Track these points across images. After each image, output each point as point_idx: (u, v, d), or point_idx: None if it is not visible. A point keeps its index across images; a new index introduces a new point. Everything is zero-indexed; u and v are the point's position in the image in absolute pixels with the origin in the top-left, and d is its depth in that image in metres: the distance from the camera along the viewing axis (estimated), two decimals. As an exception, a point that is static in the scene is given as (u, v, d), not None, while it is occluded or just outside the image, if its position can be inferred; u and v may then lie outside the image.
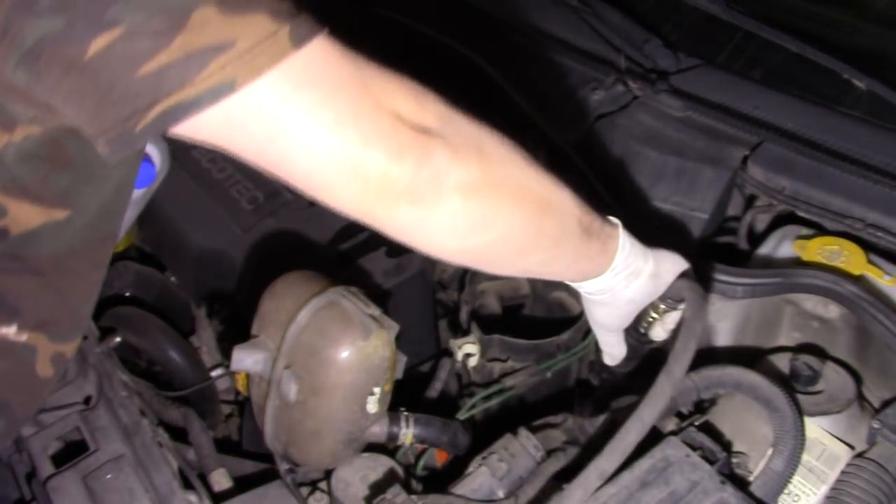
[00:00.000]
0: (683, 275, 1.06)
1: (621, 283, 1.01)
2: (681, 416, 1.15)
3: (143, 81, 0.66)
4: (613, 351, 1.15)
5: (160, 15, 0.65)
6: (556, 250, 0.91)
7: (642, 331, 1.15)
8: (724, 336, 1.32)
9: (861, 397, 1.19)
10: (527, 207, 0.84)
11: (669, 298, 1.08)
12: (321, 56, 0.72)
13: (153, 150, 1.43)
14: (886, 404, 1.15)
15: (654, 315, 1.12)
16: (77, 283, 0.94)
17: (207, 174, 1.64)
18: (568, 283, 1.03)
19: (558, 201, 0.88)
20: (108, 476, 1.11)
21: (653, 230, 1.35)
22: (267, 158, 0.74)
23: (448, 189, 0.78)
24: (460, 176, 0.78)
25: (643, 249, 1.01)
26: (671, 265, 1.05)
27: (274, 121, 0.71)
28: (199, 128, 0.71)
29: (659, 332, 1.14)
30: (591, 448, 1.09)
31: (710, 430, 1.12)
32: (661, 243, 1.07)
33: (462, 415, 1.29)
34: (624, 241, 0.98)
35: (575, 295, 1.51)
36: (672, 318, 1.12)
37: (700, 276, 1.18)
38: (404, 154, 0.75)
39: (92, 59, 0.66)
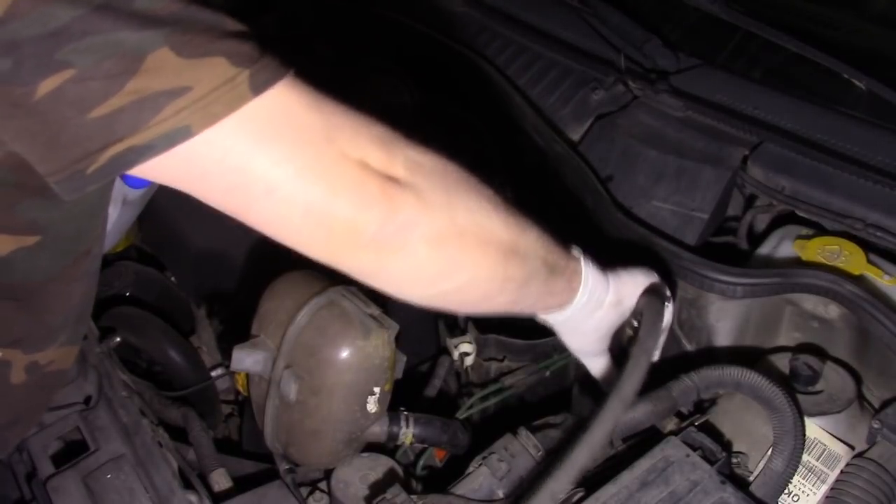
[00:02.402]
0: (649, 289, 1.06)
1: (584, 314, 1.01)
2: (681, 416, 1.15)
3: (94, 124, 0.64)
4: (602, 375, 1.14)
5: (113, 58, 0.63)
6: (522, 292, 0.90)
7: (625, 345, 1.15)
8: (724, 336, 1.32)
9: (861, 397, 1.19)
10: (492, 255, 0.84)
11: (640, 314, 1.08)
12: (284, 103, 0.70)
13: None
14: (886, 404, 1.15)
15: (631, 332, 1.12)
16: (52, 301, 0.94)
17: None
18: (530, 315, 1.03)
19: (524, 245, 0.87)
20: (108, 476, 1.11)
21: (651, 230, 1.37)
22: (229, 206, 0.73)
23: (414, 239, 0.76)
24: (427, 226, 0.77)
25: (605, 279, 1.01)
26: (633, 288, 1.05)
27: (236, 172, 0.69)
28: (158, 172, 0.69)
29: None
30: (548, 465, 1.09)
31: (710, 430, 1.12)
32: (627, 259, 1.08)
33: (461, 414, 1.30)
34: (587, 275, 0.98)
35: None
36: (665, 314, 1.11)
37: (671, 283, 1.17)
38: (371, 206, 0.73)
39: (41, 100, 0.64)
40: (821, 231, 1.34)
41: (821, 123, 1.44)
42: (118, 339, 1.40)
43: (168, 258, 1.81)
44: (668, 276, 1.31)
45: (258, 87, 0.68)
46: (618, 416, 0.92)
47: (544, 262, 0.91)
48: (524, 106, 1.63)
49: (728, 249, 1.43)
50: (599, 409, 0.92)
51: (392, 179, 0.75)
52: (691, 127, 1.50)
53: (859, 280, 1.22)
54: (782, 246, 1.34)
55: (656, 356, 1.10)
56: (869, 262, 1.25)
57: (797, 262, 1.29)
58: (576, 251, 0.99)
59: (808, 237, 1.32)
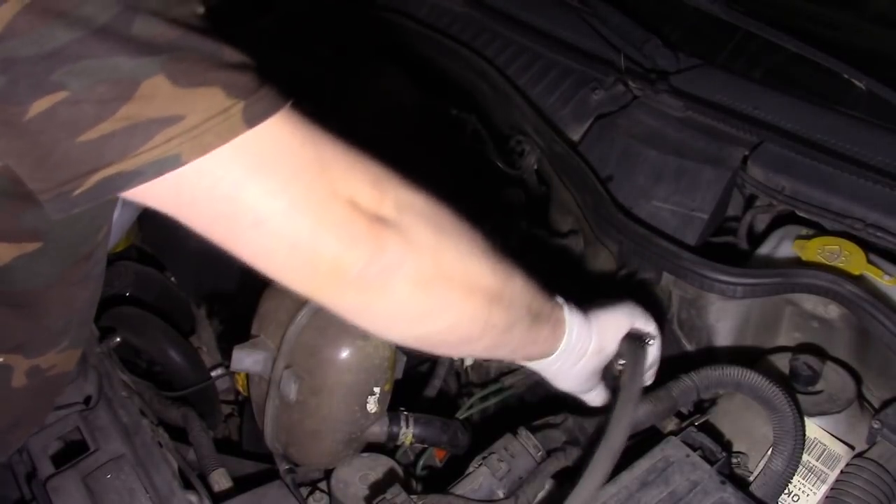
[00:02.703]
0: (630, 333, 1.05)
1: (568, 363, 1.01)
2: (681, 416, 1.15)
3: (83, 148, 0.64)
4: (595, 402, 1.13)
5: (107, 83, 0.63)
6: (504, 338, 0.90)
7: (616, 374, 1.14)
8: (724, 336, 1.32)
9: (861, 397, 1.19)
10: (477, 300, 0.83)
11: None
12: (278, 136, 0.70)
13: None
14: (886, 404, 1.15)
15: (620, 366, 1.10)
16: (53, 305, 0.93)
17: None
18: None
19: (510, 292, 0.87)
20: (108, 476, 1.11)
21: (651, 230, 1.37)
22: (216, 235, 0.72)
23: (398, 279, 0.76)
24: (412, 268, 0.77)
25: (588, 328, 1.01)
26: (614, 333, 1.04)
27: (224, 202, 0.69)
28: (146, 197, 0.69)
29: None
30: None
31: (710, 430, 1.12)
32: (612, 286, 1.06)
33: (461, 414, 1.30)
34: (571, 324, 0.98)
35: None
36: (648, 354, 1.09)
37: (658, 314, 1.14)
38: (357, 245, 0.73)
39: (32, 119, 0.64)
40: (821, 231, 1.34)
41: (821, 123, 1.44)
42: (118, 339, 1.40)
43: (168, 258, 1.81)
44: (654, 306, 1.31)
45: (252, 120, 0.68)
46: (608, 470, 0.91)
47: (528, 310, 0.91)
48: (524, 106, 1.63)
49: (728, 249, 1.43)
50: (589, 462, 0.91)
51: (380, 219, 0.75)
52: (691, 127, 1.50)
53: (859, 280, 1.22)
54: (782, 246, 1.34)
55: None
56: (869, 262, 1.25)
57: (797, 262, 1.29)
58: (560, 300, 0.99)
59: (808, 237, 1.32)
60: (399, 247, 0.76)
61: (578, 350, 1.00)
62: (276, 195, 0.70)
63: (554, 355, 0.99)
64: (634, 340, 1.04)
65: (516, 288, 0.88)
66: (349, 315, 0.80)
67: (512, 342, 0.92)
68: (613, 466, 0.93)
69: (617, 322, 1.05)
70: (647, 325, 1.08)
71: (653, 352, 1.08)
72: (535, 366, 1.02)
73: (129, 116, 0.64)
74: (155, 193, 0.69)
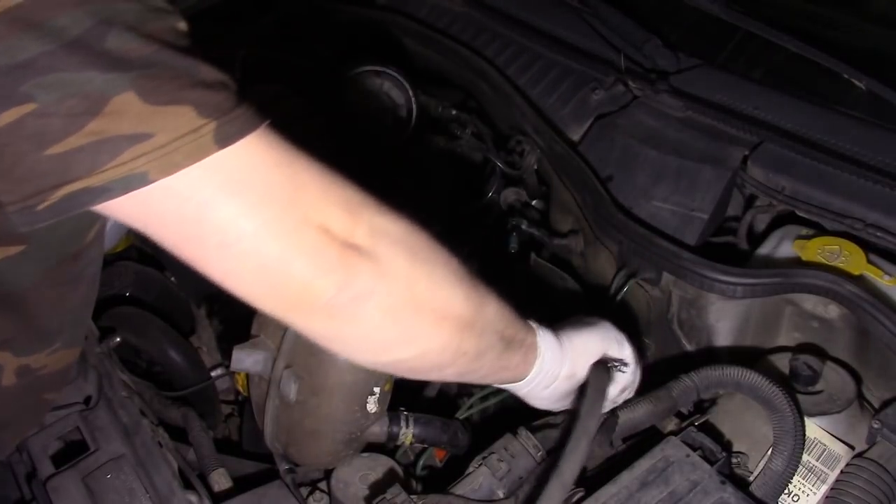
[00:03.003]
0: (600, 360, 1.05)
1: (539, 387, 1.01)
2: (681, 416, 1.15)
3: (50, 162, 0.64)
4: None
5: (76, 97, 0.63)
6: (475, 365, 0.89)
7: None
8: (724, 336, 1.32)
9: (861, 397, 1.19)
10: (448, 329, 0.83)
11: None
12: (251, 157, 0.69)
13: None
14: (886, 404, 1.16)
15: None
16: (42, 305, 0.93)
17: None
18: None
19: (482, 320, 0.86)
20: (108, 476, 1.11)
21: (651, 230, 1.37)
22: (184, 253, 0.72)
23: (369, 308, 0.75)
24: (384, 296, 0.76)
25: (560, 353, 1.00)
26: (586, 358, 1.03)
27: (192, 222, 0.68)
28: (115, 212, 0.69)
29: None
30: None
31: (710, 430, 1.12)
32: (585, 311, 1.07)
33: (461, 414, 1.30)
34: (544, 350, 0.98)
35: (574, 297, 1.51)
36: (620, 378, 1.10)
37: (633, 336, 1.13)
38: (328, 273, 0.72)
39: None
40: (821, 231, 1.34)
41: (821, 123, 1.44)
42: (118, 339, 1.40)
43: (168, 258, 1.80)
44: (636, 334, 1.31)
45: (224, 140, 0.67)
46: (559, 501, 0.91)
47: (501, 336, 0.90)
48: (524, 106, 1.63)
49: (728, 249, 1.43)
50: (540, 493, 0.91)
51: (353, 246, 0.74)
52: (691, 127, 1.51)
53: (859, 280, 1.22)
54: (782, 246, 1.34)
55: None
56: (869, 262, 1.25)
57: (797, 262, 1.29)
58: (534, 324, 0.98)
59: (808, 237, 1.32)
60: (371, 275, 0.75)
61: (550, 375, 1.00)
62: (246, 217, 0.69)
63: (525, 380, 0.99)
64: (601, 368, 1.03)
65: (489, 315, 0.88)
66: (318, 339, 0.80)
67: (482, 368, 0.92)
68: (564, 499, 0.92)
69: (590, 348, 1.04)
70: (622, 352, 1.07)
71: (626, 377, 1.08)
72: (505, 387, 1.02)
73: (98, 132, 0.63)
74: (123, 210, 0.68)
